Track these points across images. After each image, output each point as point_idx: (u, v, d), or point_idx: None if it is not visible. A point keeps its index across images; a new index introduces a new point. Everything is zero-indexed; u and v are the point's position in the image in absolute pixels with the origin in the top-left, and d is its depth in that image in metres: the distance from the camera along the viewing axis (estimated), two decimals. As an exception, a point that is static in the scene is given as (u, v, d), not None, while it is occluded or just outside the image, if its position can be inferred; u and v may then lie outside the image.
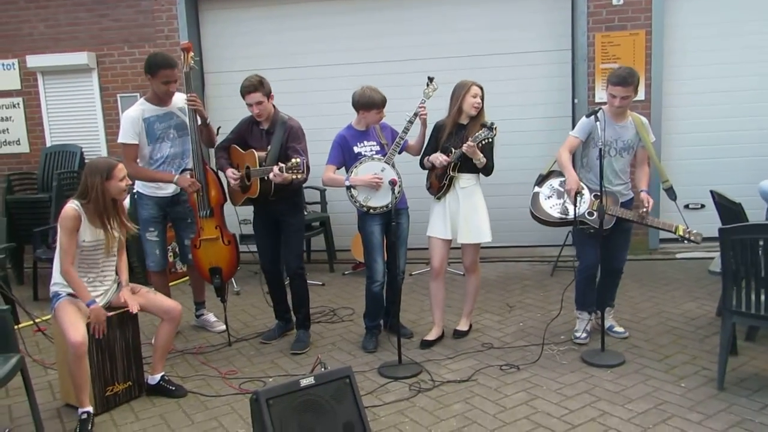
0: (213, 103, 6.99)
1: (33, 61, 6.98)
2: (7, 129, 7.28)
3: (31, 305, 5.61)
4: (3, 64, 7.16)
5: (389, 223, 4.03)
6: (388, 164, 4.10)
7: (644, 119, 4.11)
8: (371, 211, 4.13)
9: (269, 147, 4.18)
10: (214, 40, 6.97)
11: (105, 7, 6.86)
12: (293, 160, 3.90)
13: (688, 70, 6.22)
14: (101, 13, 6.87)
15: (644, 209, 3.96)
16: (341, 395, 3.00)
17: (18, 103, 7.21)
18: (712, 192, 4.45)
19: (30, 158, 7.26)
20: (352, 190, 4.10)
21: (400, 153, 4.29)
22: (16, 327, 4.45)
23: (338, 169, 4.24)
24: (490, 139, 3.96)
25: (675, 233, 3.92)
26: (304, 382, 2.94)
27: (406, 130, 4.15)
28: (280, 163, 3.95)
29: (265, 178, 4.06)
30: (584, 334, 4.19)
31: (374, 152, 4.21)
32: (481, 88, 4.08)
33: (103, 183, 3.45)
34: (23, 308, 4.40)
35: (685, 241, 3.92)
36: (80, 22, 6.94)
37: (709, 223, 4.85)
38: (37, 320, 4.31)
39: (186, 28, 6.70)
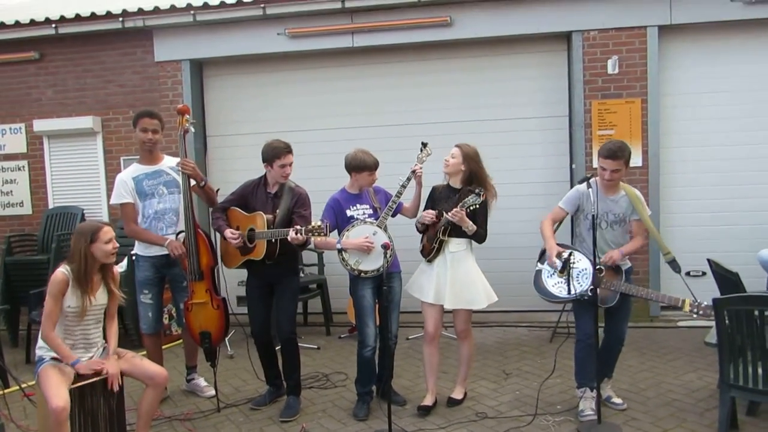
0: (215, 166, 7.10)
1: (39, 125, 7.15)
2: (11, 191, 7.39)
3: (23, 368, 5.55)
4: (11, 129, 7.33)
5: (381, 287, 3.99)
6: (380, 228, 4.11)
7: (638, 193, 4.05)
8: (362, 274, 4.11)
9: (277, 211, 4.20)
10: (217, 104, 7.13)
11: (112, 73, 7.07)
12: (316, 223, 3.91)
13: (685, 138, 6.29)
14: (108, 79, 7.07)
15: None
16: (325, 467, 2.92)
17: (23, 166, 7.35)
18: (709, 261, 4.41)
19: (32, 220, 7.34)
20: (343, 253, 4.10)
21: (394, 216, 4.29)
22: (3, 392, 4.42)
23: (331, 231, 4.23)
24: (477, 205, 3.96)
25: (682, 309, 3.71)
26: (287, 454, 2.86)
27: (399, 194, 4.17)
28: (296, 226, 3.96)
29: (272, 240, 4.08)
30: (590, 413, 3.92)
31: (367, 215, 4.22)
32: (461, 148, 4.09)
33: (87, 246, 3.46)
34: (10, 374, 4.34)
35: (695, 316, 3.72)
36: (87, 88, 7.14)
37: (711, 291, 4.79)
38: (24, 386, 4.23)
39: (190, 94, 6.87)
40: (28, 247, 6.95)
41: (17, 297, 6.36)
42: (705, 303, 3.64)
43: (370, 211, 4.25)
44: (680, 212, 6.33)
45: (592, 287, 3.82)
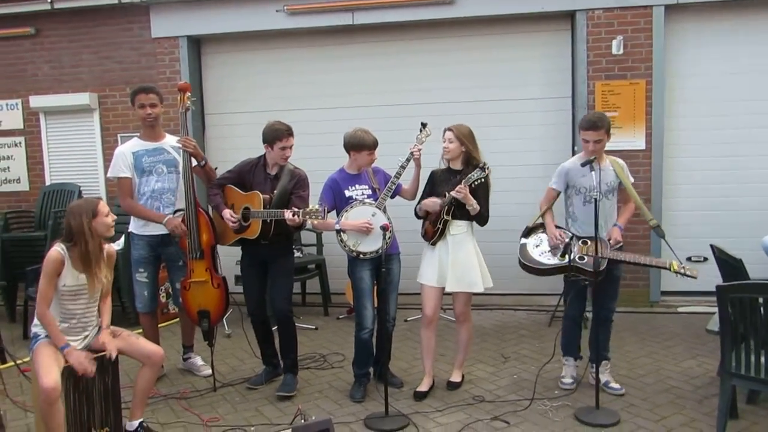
0: (213, 144, 7.03)
1: (36, 101, 7.07)
2: (8, 167, 7.33)
3: (20, 343, 5.54)
4: (7, 104, 7.25)
5: (380, 269, 3.95)
6: (379, 209, 4.06)
7: (622, 162, 4.12)
8: (361, 255, 4.06)
9: (274, 192, 4.15)
10: (215, 82, 7.04)
11: (108, 49, 6.96)
12: (313, 206, 3.87)
13: (690, 120, 6.20)
14: (105, 55, 6.98)
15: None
16: (320, 449, 2.90)
17: (20, 142, 7.28)
18: (712, 246, 4.36)
19: (29, 196, 7.29)
20: (341, 234, 4.05)
21: (393, 197, 4.23)
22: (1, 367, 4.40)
23: (329, 212, 4.19)
24: (482, 180, 3.92)
25: (670, 270, 3.83)
26: (282, 435, 2.84)
27: (398, 175, 4.11)
28: (294, 208, 3.92)
29: (268, 221, 4.04)
30: (570, 380, 4.19)
31: (366, 196, 4.17)
32: (455, 130, 4.03)
33: (90, 223, 3.40)
34: (6, 350, 4.32)
35: (678, 276, 3.82)
36: (84, 64, 7.04)
37: (713, 277, 4.75)
38: (19, 362, 4.22)
39: (188, 71, 6.77)
40: (26, 224, 6.91)
41: (15, 273, 6.33)
42: (690, 266, 3.85)
43: (369, 192, 4.19)
44: (683, 196, 6.26)
45: (580, 256, 3.92)
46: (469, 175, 3.90)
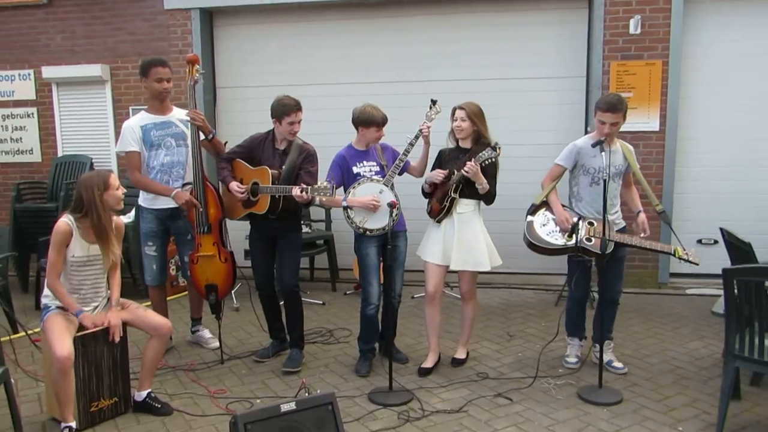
0: (224, 118, 7.03)
1: (48, 72, 7.07)
2: (21, 138, 7.37)
3: (32, 313, 5.62)
4: (20, 75, 7.27)
5: (386, 245, 3.97)
6: (387, 186, 4.06)
7: (631, 147, 4.11)
8: (367, 232, 4.08)
9: (283, 167, 4.15)
10: (227, 55, 7.01)
11: (121, 20, 6.94)
12: (322, 183, 3.87)
13: (705, 103, 6.12)
14: (117, 27, 6.96)
15: (643, 234, 3.94)
16: (322, 422, 2.93)
17: (32, 113, 7.31)
18: (721, 229, 4.33)
19: (42, 167, 7.34)
20: (348, 210, 4.06)
21: (401, 174, 4.23)
22: (11, 337, 4.48)
23: (336, 188, 4.19)
24: (493, 159, 3.89)
25: (674, 255, 3.85)
26: (285, 408, 2.88)
27: (407, 152, 4.10)
28: (302, 184, 3.93)
29: (276, 196, 4.05)
30: (575, 359, 4.20)
31: (373, 173, 4.17)
32: (467, 108, 3.99)
33: (101, 195, 3.43)
34: (17, 321, 4.39)
35: (683, 262, 3.84)
36: (96, 35, 7.03)
37: (722, 259, 4.72)
38: (30, 332, 4.29)
39: (200, 43, 6.75)
40: (38, 195, 6.97)
41: (27, 244, 6.41)
42: (693, 251, 3.87)
43: (377, 169, 4.19)
44: (695, 179, 6.20)
45: (587, 237, 3.91)
46: (480, 154, 3.88)
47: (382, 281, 4.22)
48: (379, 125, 4.13)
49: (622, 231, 4.05)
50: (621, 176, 4.07)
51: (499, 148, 3.90)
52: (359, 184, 4.07)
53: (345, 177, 4.19)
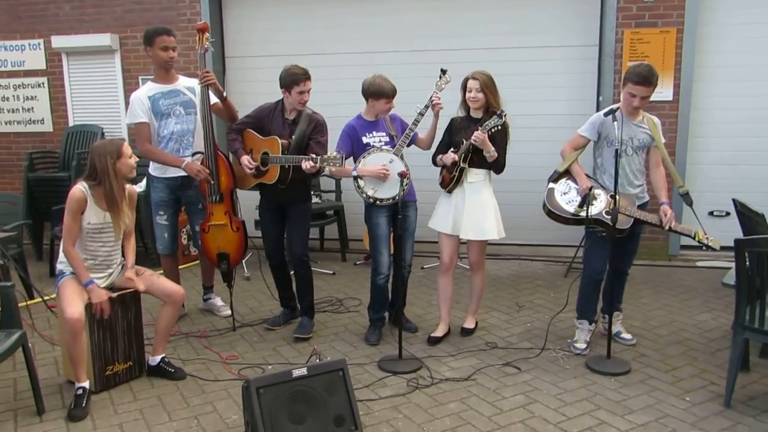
0: (233, 88, 7.00)
1: (58, 41, 7.06)
2: (32, 108, 7.39)
3: (47, 281, 5.71)
4: (30, 44, 7.26)
5: (396, 215, 3.98)
6: (397, 156, 4.05)
7: (657, 120, 3.98)
8: (377, 202, 4.09)
9: (293, 137, 4.15)
10: (236, 24, 6.96)
11: (129, -12, 6.90)
12: (332, 153, 3.88)
13: (720, 72, 6.02)
14: (126, -6, 6.92)
15: (666, 225, 3.82)
16: (333, 388, 2.98)
17: (43, 83, 7.32)
18: (734, 200, 4.31)
19: (53, 137, 7.37)
20: (359, 180, 4.07)
21: (409, 146, 4.23)
22: (27, 303, 4.55)
23: (346, 158, 4.19)
24: (499, 127, 3.87)
25: (694, 238, 3.79)
26: (296, 373, 2.93)
27: (416, 122, 4.09)
28: (311, 155, 3.93)
29: (286, 166, 4.06)
30: (583, 345, 4.04)
31: (383, 143, 4.17)
32: (481, 79, 3.94)
33: (115, 163, 3.45)
34: (33, 286, 4.46)
35: (704, 248, 3.81)
36: (104, 4, 6.99)
37: (734, 231, 4.69)
38: (46, 298, 4.36)
39: (208, 12, 6.71)
40: (50, 164, 7.01)
41: (40, 212, 6.49)
42: (714, 237, 3.78)
43: (387, 139, 4.18)
44: (709, 149, 6.14)
45: (607, 210, 3.80)
46: (487, 122, 3.86)
47: (392, 251, 4.24)
48: (389, 97, 4.11)
49: (643, 207, 3.96)
50: (645, 150, 3.93)
51: (505, 115, 3.87)
52: (369, 153, 4.07)
53: (354, 147, 4.19)
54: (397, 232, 4.06)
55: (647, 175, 4.04)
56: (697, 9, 5.85)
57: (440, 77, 4.12)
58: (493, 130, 3.88)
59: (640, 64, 3.78)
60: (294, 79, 4.07)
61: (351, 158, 4.20)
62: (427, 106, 4.08)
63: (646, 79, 3.69)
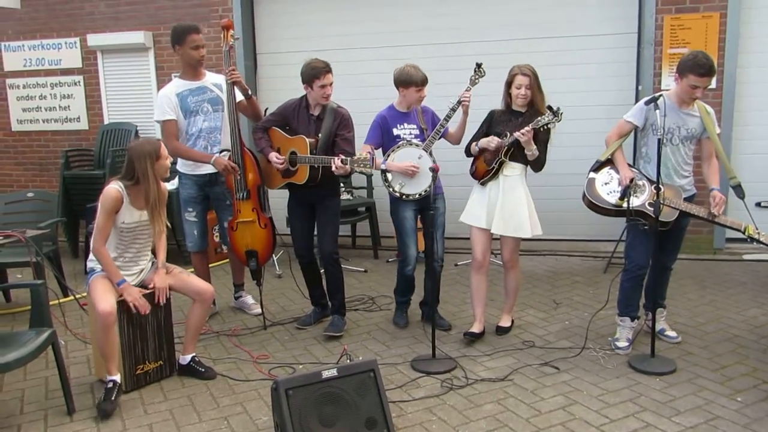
0: (265, 84, 6.98)
1: (93, 39, 7.13)
2: (69, 106, 7.49)
3: (82, 278, 5.72)
4: (66, 43, 7.34)
5: (423, 209, 3.94)
6: (426, 152, 4.00)
7: (710, 109, 3.77)
8: (405, 197, 4.05)
9: (320, 134, 4.08)
10: (268, 20, 6.92)
11: (161, -15, 6.92)
12: (363, 155, 3.82)
13: (765, 58, 5.75)
14: (158, -8, 6.94)
15: (715, 209, 3.63)
16: (364, 389, 2.90)
17: (79, 81, 7.40)
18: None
19: (89, 135, 7.45)
20: (387, 174, 4.02)
21: (438, 140, 4.17)
22: (60, 301, 4.57)
23: (375, 149, 4.13)
24: (555, 125, 3.74)
25: (744, 233, 3.60)
26: (326, 374, 2.85)
27: (448, 118, 4.04)
28: (342, 156, 3.87)
29: (315, 166, 3.99)
30: (626, 343, 3.87)
31: (413, 135, 4.12)
32: (531, 75, 3.80)
33: (153, 165, 3.44)
34: (65, 284, 4.48)
35: (755, 243, 3.60)
36: (138, 2, 7.03)
37: (783, 223, 4.48)
38: (78, 296, 4.37)
39: (240, 8, 6.68)
40: (86, 162, 7.08)
41: (76, 210, 6.55)
42: (766, 232, 3.56)
43: (417, 132, 4.13)
44: (754, 138, 5.88)
45: (650, 202, 3.60)
46: (539, 118, 3.72)
47: (421, 247, 4.16)
48: (418, 85, 4.05)
49: (690, 199, 3.78)
50: (693, 141, 3.75)
51: (561, 113, 3.71)
52: (399, 147, 4.02)
53: (384, 138, 4.15)
54: (428, 228, 3.97)
55: (696, 166, 3.84)
56: (741, -9, 5.60)
57: (475, 71, 4.05)
58: (544, 127, 3.75)
59: (696, 54, 3.56)
60: (315, 73, 4.00)
61: (380, 150, 4.14)
62: (459, 103, 4.02)
63: (710, 69, 3.53)
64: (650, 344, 3.69)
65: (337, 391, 2.84)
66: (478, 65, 4.06)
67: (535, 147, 3.78)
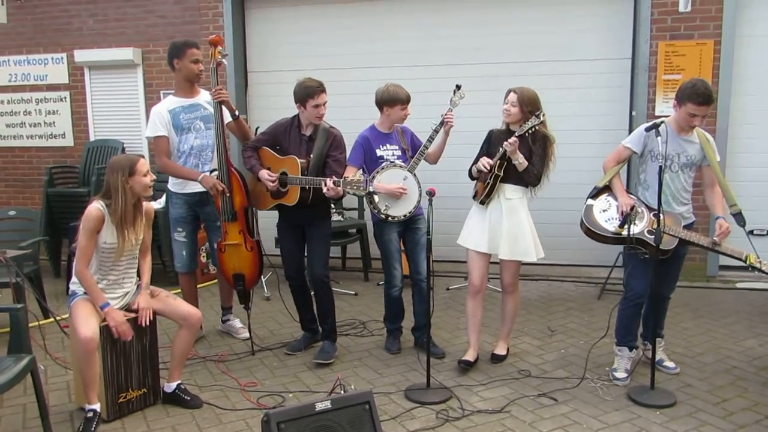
0: (256, 103, 6.90)
1: (81, 55, 7.02)
2: (54, 122, 7.35)
3: (64, 299, 5.52)
4: (53, 58, 7.23)
5: (406, 230, 4.06)
6: (411, 173, 4.01)
7: (710, 136, 3.74)
8: (389, 218, 4.04)
9: (311, 155, 4.00)
10: (259, 39, 6.85)
11: (152, 3, 6.85)
12: (355, 177, 3.75)
13: (759, 85, 5.77)
14: (148, 9, 6.87)
15: (718, 237, 3.56)
16: (359, 422, 2.77)
17: (65, 97, 7.27)
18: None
19: (74, 152, 7.31)
20: (374, 195, 3.96)
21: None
22: (40, 323, 4.41)
23: (357, 170, 4.05)
24: (536, 127, 3.70)
25: (745, 262, 3.53)
26: (320, 406, 2.72)
27: (430, 140, 4.06)
28: (333, 177, 3.79)
29: (306, 187, 3.90)
30: (624, 374, 3.78)
31: (396, 156, 4.13)
32: (519, 93, 3.78)
33: (126, 180, 3.31)
34: (46, 307, 4.32)
35: (756, 272, 3.53)
36: (127, 18, 6.95)
37: (777, 252, 4.42)
38: (58, 318, 4.22)
39: (231, 26, 6.62)
40: (70, 179, 6.94)
41: (59, 228, 6.40)
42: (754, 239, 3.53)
43: (399, 153, 4.13)
44: (748, 166, 5.87)
45: (649, 230, 3.55)
46: (523, 125, 3.71)
47: (405, 270, 4.26)
48: (404, 103, 4.07)
49: (689, 227, 3.72)
50: (694, 168, 3.71)
51: (543, 115, 3.70)
52: (384, 169, 4.03)
53: (367, 159, 4.13)
54: (411, 248, 4.15)
55: (697, 193, 3.79)
56: (734, 20, 5.62)
57: (454, 92, 4.07)
58: (530, 132, 3.71)
59: (695, 82, 3.53)
60: (309, 92, 3.93)
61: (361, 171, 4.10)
62: (441, 123, 4.03)
63: (709, 98, 3.49)
64: (650, 375, 3.60)
65: (330, 423, 2.72)
66: (458, 86, 4.09)
67: (522, 157, 3.74)
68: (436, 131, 4.03)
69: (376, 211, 4.04)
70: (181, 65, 4.24)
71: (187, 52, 4.21)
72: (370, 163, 4.12)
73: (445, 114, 4.03)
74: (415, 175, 4.04)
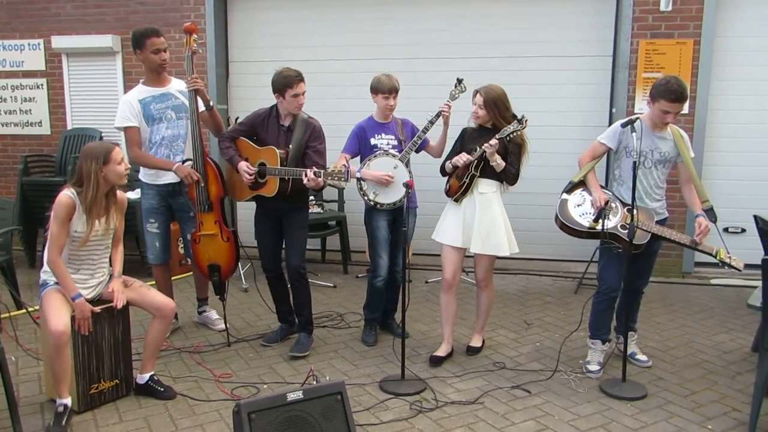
0: (237, 93, 6.84)
1: (58, 42, 6.90)
2: (30, 110, 7.22)
3: (38, 289, 5.48)
4: (29, 44, 7.10)
5: (395, 220, 4.00)
6: (402, 162, 3.99)
7: (684, 133, 3.77)
8: (378, 206, 4.05)
9: (290, 146, 3.97)
10: (242, 28, 6.79)
11: (132, -11, 6.75)
12: (337, 167, 3.73)
13: (738, 85, 5.83)
14: (129, -5, 6.76)
15: (698, 236, 3.59)
16: (331, 413, 2.77)
17: (42, 84, 7.15)
18: (755, 217, 4.10)
19: (51, 140, 7.19)
20: (362, 182, 3.99)
21: (418, 152, 4.20)
22: (10, 314, 4.35)
23: (352, 158, 4.09)
24: (518, 133, 3.71)
25: (715, 257, 3.57)
26: (292, 397, 2.72)
27: (425, 130, 4.03)
28: (314, 168, 3.75)
29: (286, 178, 3.87)
30: (597, 367, 3.82)
31: (391, 146, 4.12)
32: (484, 95, 3.78)
33: (100, 168, 3.26)
34: (17, 297, 4.26)
35: (725, 267, 3.58)
36: (107, 5, 6.83)
37: (750, 249, 4.48)
38: (30, 309, 4.16)
39: (213, 15, 6.54)
40: (46, 168, 6.83)
41: (34, 218, 6.30)
42: (737, 256, 3.56)
43: (395, 142, 4.13)
44: (725, 164, 5.93)
45: (623, 225, 3.60)
46: (505, 128, 3.71)
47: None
48: (385, 92, 4.07)
49: (662, 222, 3.76)
50: (667, 165, 3.73)
51: (525, 120, 3.71)
52: (375, 157, 4.03)
53: (362, 148, 4.15)
54: (395, 237, 4.12)
55: (674, 190, 3.83)
56: (715, 20, 5.67)
57: (455, 86, 4.05)
58: (511, 136, 3.71)
59: (669, 79, 3.55)
60: (287, 81, 3.90)
61: (357, 158, 4.16)
62: (438, 115, 4.01)
63: (682, 95, 3.51)
64: (621, 368, 3.64)
65: (302, 414, 2.71)
66: (459, 80, 4.06)
67: (500, 158, 3.74)
68: (432, 122, 4.02)
69: (365, 198, 4.07)
70: (143, 56, 4.15)
71: (147, 42, 4.09)
72: (365, 152, 4.15)
73: (442, 105, 4.01)
74: (408, 165, 4.04)
